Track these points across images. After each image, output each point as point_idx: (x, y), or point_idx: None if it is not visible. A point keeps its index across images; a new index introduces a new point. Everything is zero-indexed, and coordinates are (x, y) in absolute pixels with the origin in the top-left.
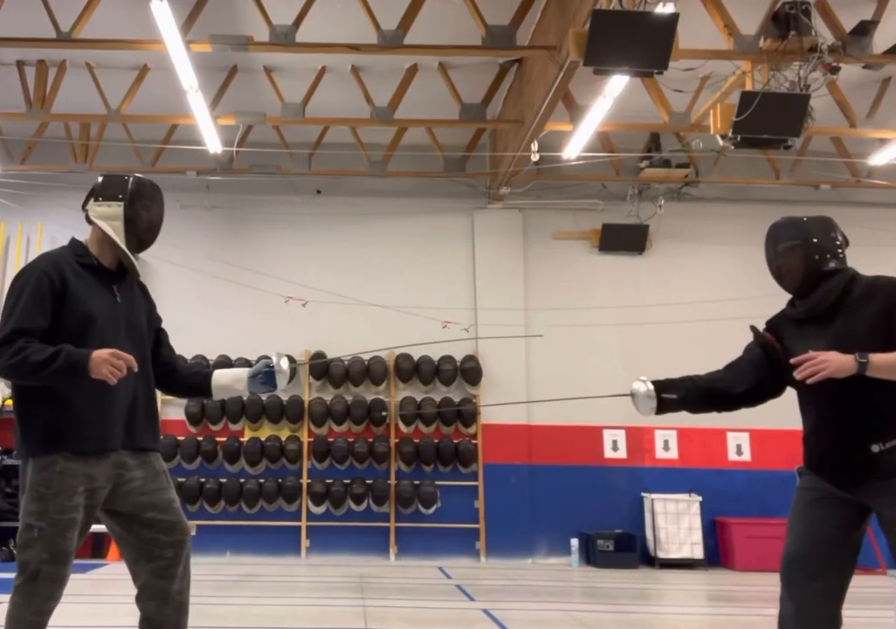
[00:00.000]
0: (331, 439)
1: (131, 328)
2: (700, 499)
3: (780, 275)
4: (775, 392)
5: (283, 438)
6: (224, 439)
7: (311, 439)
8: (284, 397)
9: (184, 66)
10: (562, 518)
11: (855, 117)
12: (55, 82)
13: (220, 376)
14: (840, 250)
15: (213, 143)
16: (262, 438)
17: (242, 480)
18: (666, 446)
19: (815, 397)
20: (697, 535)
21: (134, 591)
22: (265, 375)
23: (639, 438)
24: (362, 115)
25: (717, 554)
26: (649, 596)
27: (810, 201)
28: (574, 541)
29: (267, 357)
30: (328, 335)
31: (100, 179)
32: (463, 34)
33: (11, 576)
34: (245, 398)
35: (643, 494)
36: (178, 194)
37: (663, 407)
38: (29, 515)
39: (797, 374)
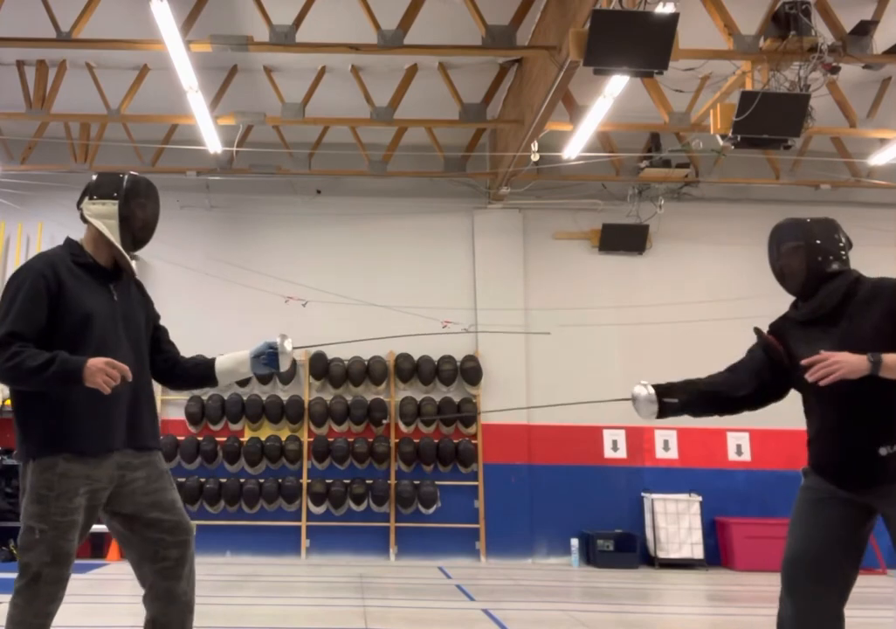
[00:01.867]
0: (331, 439)
1: (129, 326)
2: (700, 499)
3: (782, 276)
4: (778, 395)
5: (283, 438)
6: (224, 439)
7: (311, 439)
8: (284, 397)
9: (184, 66)
10: (562, 518)
11: (855, 117)
12: (55, 82)
13: (222, 361)
14: (843, 252)
15: (213, 143)
16: (262, 438)
17: (242, 480)
18: (666, 446)
19: (822, 399)
20: (697, 535)
21: (136, 591)
22: (268, 356)
23: (639, 438)
24: (362, 115)
25: (717, 554)
26: (649, 596)
27: (810, 201)
28: (574, 541)
29: (271, 340)
30: (328, 335)
31: (94, 177)
32: (463, 34)
33: (12, 576)
34: (245, 398)
35: (643, 494)
36: (178, 194)
37: (664, 411)
38: (30, 517)
39: (809, 376)
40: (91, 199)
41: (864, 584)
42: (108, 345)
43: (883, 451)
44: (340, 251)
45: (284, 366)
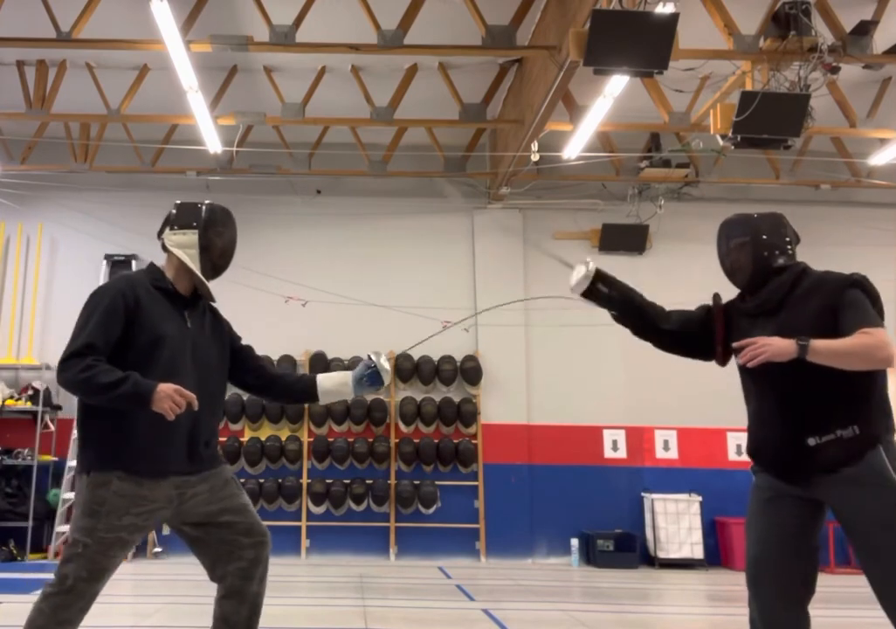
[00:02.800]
0: (331, 439)
1: (198, 353)
2: (700, 499)
3: (731, 271)
4: (688, 351)
5: (283, 438)
6: (224, 439)
7: (311, 439)
8: None
9: (184, 66)
10: (562, 518)
11: (855, 117)
12: (55, 82)
13: (325, 380)
14: (789, 247)
15: (213, 143)
16: (262, 438)
17: (242, 480)
18: (666, 446)
19: (756, 386)
20: (697, 535)
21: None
22: (370, 376)
23: (639, 438)
24: (362, 115)
25: (717, 554)
26: (649, 596)
27: (810, 201)
28: (574, 541)
29: (366, 359)
30: (328, 335)
31: (174, 209)
32: (463, 34)
33: (12, 576)
34: (245, 398)
35: (643, 494)
36: (178, 194)
37: (591, 293)
38: (77, 530)
39: (739, 359)
40: (172, 229)
41: (864, 584)
42: (175, 369)
43: (811, 441)
44: (340, 251)
45: (386, 381)
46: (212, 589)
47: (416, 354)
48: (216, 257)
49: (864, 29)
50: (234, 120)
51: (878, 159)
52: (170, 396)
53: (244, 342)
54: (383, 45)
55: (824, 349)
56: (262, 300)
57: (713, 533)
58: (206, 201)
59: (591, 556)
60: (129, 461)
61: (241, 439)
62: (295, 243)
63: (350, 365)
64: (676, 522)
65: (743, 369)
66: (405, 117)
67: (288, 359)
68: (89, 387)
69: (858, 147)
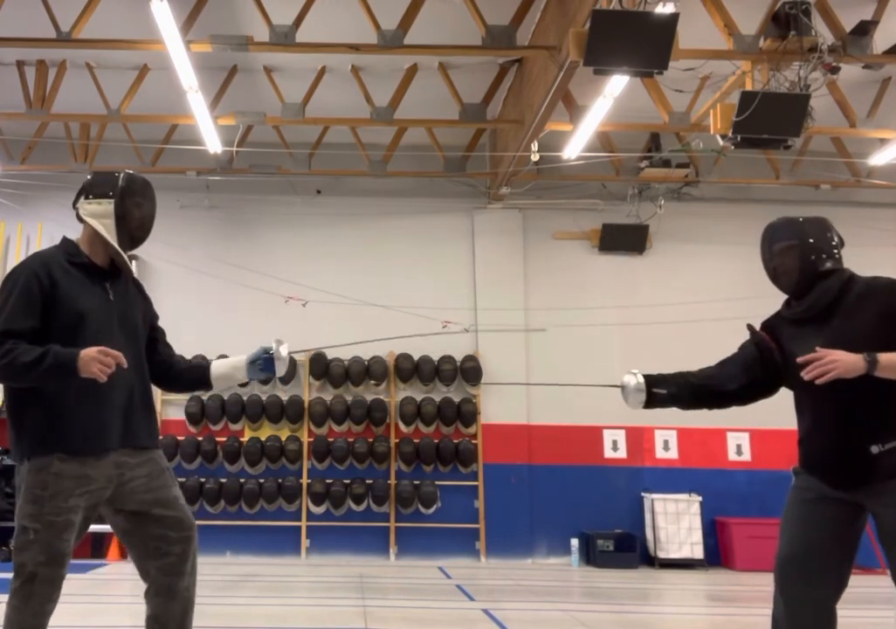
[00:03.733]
0: (331, 439)
1: (125, 325)
2: (700, 499)
3: (776, 275)
4: (768, 391)
5: (283, 438)
6: (224, 439)
7: (311, 439)
8: (284, 397)
9: (184, 66)
10: (562, 518)
11: (855, 117)
12: (55, 82)
13: (218, 366)
14: (836, 251)
15: (213, 143)
16: (262, 438)
17: (242, 480)
18: (666, 446)
19: (814, 398)
20: (697, 535)
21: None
22: (264, 362)
23: (639, 438)
24: (362, 115)
25: (717, 554)
26: (649, 596)
27: (810, 201)
28: (574, 541)
29: (269, 344)
30: (328, 335)
31: (89, 177)
32: (463, 34)
33: (11, 576)
34: (245, 398)
35: (643, 494)
36: (178, 194)
37: (652, 401)
38: (24, 517)
39: (805, 375)
40: (87, 198)
41: (864, 584)
42: (102, 343)
43: (874, 449)
44: (340, 251)
45: (280, 371)
46: (212, 589)
47: (416, 354)
48: (133, 228)
49: (864, 29)
50: (234, 120)
51: (878, 159)
52: (95, 358)
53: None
54: (383, 45)
55: (891, 363)
56: (262, 300)
57: (713, 533)
58: (126, 170)
59: (591, 556)
60: (67, 441)
61: (241, 439)
62: (295, 243)
63: (349, 365)
64: (676, 522)
65: (797, 381)
66: (405, 117)
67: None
68: (13, 370)
69: (858, 147)
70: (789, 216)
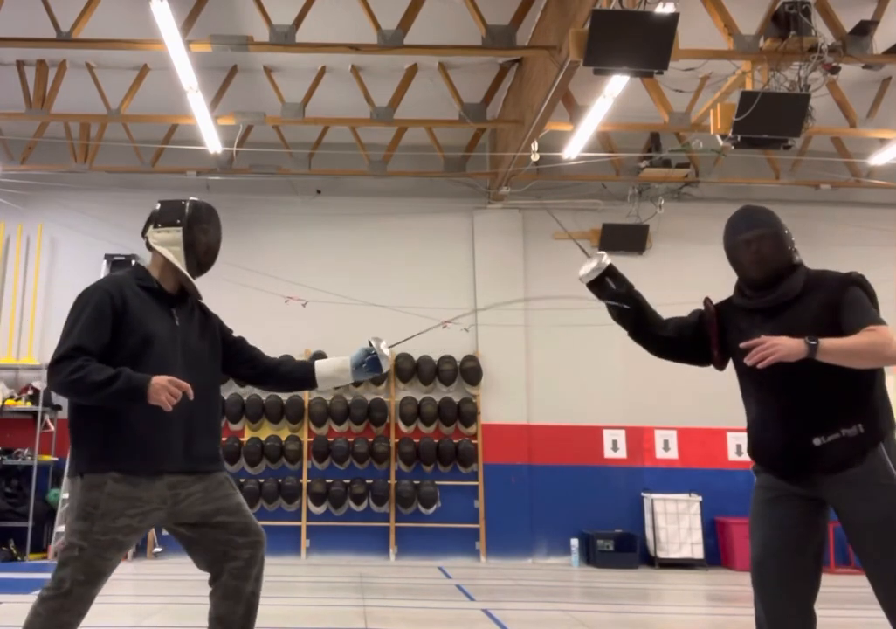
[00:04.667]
0: (331, 439)
1: (188, 351)
2: (700, 499)
3: (746, 263)
4: (690, 358)
5: (283, 438)
6: (224, 439)
7: (311, 439)
8: (284, 397)
9: (184, 66)
10: (562, 518)
11: (855, 117)
12: (55, 82)
13: (323, 367)
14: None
15: (213, 143)
16: (262, 438)
17: (242, 480)
18: (666, 446)
19: (758, 387)
20: (697, 535)
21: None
22: (369, 363)
23: (639, 438)
24: (362, 115)
25: (717, 554)
26: (649, 596)
27: (810, 201)
28: (574, 541)
29: (366, 345)
30: (328, 335)
31: (157, 206)
32: (463, 34)
33: (11, 576)
34: (245, 398)
35: (643, 494)
36: (179, 194)
37: (598, 285)
38: (73, 534)
39: (748, 359)
40: (156, 226)
41: (864, 584)
42: (165, 367)
43: (817, 441)
44: (340, 251)
45: (386, 367)
46: None
47: (416, 354)
48: (201, 254)
49: (864, 29)
50: (234, 120)
51: (878, 159)
52: (165, 387)
53: (237, 335)
54: (383, 45)
55: (833, 348)
56: (262, 300)
57: (713, 533)
58: (191, 198)
59: (591, 556)
60: (123, 461)
61: (241, 439)
62: (295, 243)
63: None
64: (676, 522)
65: (743, 370)
66: (405, 117)
67: None
68: (82, 387)
69: (858, 147)
70: (751, 205)
